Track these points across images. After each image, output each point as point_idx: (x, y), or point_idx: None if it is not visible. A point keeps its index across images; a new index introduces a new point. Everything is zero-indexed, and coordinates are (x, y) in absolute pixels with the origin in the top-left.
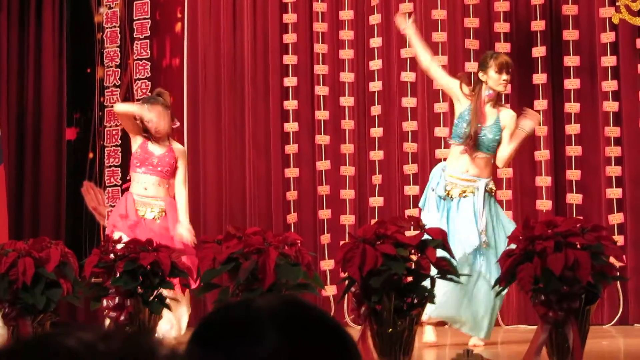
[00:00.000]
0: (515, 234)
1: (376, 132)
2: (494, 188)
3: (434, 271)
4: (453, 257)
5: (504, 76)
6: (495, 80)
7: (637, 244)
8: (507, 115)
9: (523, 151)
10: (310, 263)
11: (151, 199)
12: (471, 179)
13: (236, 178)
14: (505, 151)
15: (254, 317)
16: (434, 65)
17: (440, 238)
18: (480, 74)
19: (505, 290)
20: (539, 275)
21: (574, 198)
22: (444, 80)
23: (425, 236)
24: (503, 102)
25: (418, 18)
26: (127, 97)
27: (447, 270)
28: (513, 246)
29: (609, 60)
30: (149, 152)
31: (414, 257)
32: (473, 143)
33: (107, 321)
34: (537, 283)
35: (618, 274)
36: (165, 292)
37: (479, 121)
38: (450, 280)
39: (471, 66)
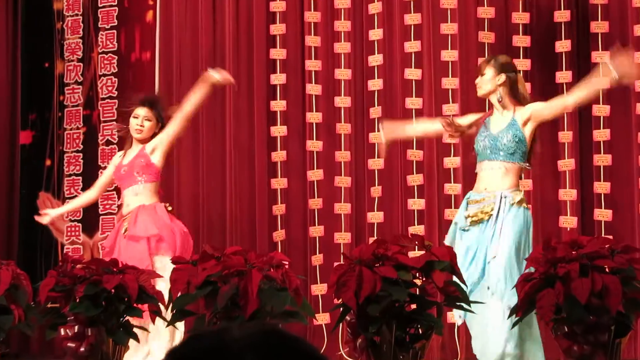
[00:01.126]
0: (534, 256)
1: (376, 137)
2: (516, 199)
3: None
4: (463, 281)
5: (479, 79)
6: None
7: None
8: (524, 109)
9: (544, 160)
10: (299, 287)
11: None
12: (487, 195)
13: (215, 189)
14: (570, 98)
15: (228, 348)
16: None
17: (449, 259)
18: None
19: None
20: (561, 303)
21: (602, 214)
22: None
23: (432, 257)
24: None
25: (424, 7)
26: (90, 95)
27: (457, 297)
28: (532, 269)
29: None
30: (119, 165)
31: (418, 282)
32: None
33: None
34: (560, 312)
35: None
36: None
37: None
38: (460, 308)
39: None
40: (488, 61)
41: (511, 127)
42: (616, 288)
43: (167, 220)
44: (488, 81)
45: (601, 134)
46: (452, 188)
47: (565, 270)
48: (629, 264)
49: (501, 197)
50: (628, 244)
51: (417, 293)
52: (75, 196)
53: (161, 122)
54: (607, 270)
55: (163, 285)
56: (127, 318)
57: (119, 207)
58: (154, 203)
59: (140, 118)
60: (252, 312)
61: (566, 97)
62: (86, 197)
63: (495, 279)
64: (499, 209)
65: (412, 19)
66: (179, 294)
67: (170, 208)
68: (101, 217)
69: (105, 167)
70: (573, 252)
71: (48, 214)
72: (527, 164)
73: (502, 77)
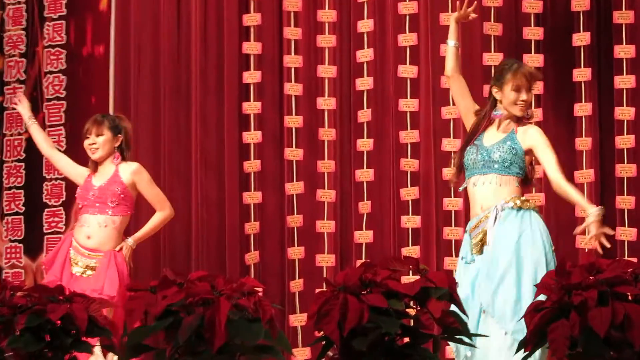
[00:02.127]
0: (545, 282)
1: (365, 144)
2: (516, 203)
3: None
4: (464, 311)
5: (523, 96)
6: (510, 100)
7: None
8: (528, 131)
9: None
10: (274, 318)
11: (89, 252)
12: (484, 214)
13: (178, 204)
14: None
15: None
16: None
17: (447, 286)
18: (494, 90)
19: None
20: (577, 336)
21: (626, 233)
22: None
23: (428, 284)
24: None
25: None
26: (34, 95)
27: (456, 329)
28: (542, 297)
29: None
30: (89, 185)
31: (411, 312)
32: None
33: None
34: (575, 347)
35: None
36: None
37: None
38: (460, 342)
39: (491, 58)
40: (536, 77)
41: (509, 139)
42: None
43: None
44: (530, 102)
45: (625, 141)
46: (452, 203)
47: (582, 299)
48: None
49: (497, 210)
50: None
51: (411, 324)
52: (17, 212)
53: (117, 133)
54: (630, 298)
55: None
56: (74, 354)
57: (67, 225)
58: (120, 251)
59: (92, 137)
60: (220, 346)
61: (557, 170)
62: (44, 139)
63: (501, 302)
64: (495, 219)
65: (407, 7)
66: (135, 326)
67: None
68: (46, 236)
69: (51, 180)
70: (590, 278)
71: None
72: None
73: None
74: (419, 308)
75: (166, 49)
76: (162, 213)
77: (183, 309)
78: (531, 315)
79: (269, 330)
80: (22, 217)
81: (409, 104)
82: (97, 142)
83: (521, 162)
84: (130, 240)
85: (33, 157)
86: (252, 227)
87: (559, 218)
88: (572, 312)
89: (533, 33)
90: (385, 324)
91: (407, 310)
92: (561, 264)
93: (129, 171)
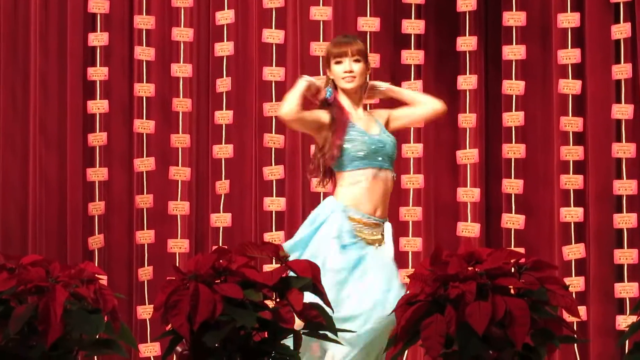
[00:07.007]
0: (419, 272)
1: (223, 116)
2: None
3: (299, 324)
4: (328, 303)
5: (346, 66)
6: (337, 75)
7: (603, 289)
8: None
9: (439, 151)
10: (116, 309)
11: None
12: (378, 222)
13: (13, 181)
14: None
15: None
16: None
17: (310, 275)
18: (328, 73)
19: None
20: (453, 333)
21: (512, 220)
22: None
23: (288, 273)
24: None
25: None
26: None
27: (319, 323)
28: (415, 290)
29: (569, 19)
30: None
31: (270, 304)
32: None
33: None
34: (451, 345)
35: (575, 335)
36: None
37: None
38: (324, 338)
39: (367, 23)
40: (360, 46)
41: (383, 128)
42: (523, 315)
43: None
44: (363, 72)
45: (513, 118)
46: None
47: (459, 292)
48: (540, 285)
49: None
50: (539, 259)
51: (269, 318)
52: None
53: None
54: (512, 292)
55: None
56: None
57: None
58: None
59: None
60: (55, 340)
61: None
62: None
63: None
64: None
65: None
66: None
67: None
68: None
69: None
70: (469, 268)
71: None
72: None
73: (369, 67)
74: (278, 300)
75: (1, 8)
76: None
77: (14, 297)
78: (403, 308)
79: (111, 322)
80: None
81: (274, 73)
82: None
83: None
84: None
85: None
86: (96, 207)
87: (439, 201)
88: (448, 306)
89: None
90: (241, 317)
91: (265, 302)
92: (437, 253)
93: None
